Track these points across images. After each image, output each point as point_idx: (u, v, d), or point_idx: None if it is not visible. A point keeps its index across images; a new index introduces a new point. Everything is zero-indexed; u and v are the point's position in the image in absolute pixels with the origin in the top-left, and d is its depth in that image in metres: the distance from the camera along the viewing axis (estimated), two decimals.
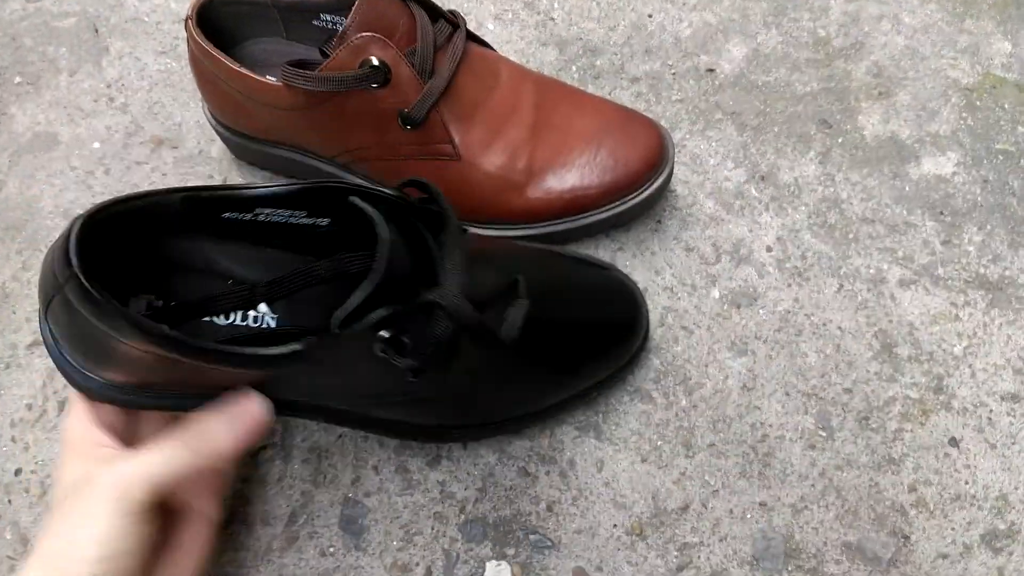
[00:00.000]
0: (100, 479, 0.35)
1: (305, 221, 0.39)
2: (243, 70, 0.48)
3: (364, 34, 0.45)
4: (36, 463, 0.50)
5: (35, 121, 0.62)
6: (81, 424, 0.38)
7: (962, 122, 0.59)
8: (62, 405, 0.52)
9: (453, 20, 0.51)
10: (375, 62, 0.45)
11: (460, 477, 0.47)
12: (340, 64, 0.46)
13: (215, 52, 0.49)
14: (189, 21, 0.50)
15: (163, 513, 0.37)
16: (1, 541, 0.48)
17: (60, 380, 0.52)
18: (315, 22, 0.53)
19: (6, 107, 0.64)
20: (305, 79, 0.46)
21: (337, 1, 0.51)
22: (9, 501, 0.49)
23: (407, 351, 0.35)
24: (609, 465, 0.47)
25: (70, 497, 0.35)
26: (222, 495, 0.43)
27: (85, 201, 0.59)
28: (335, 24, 0.53)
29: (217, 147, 0.60)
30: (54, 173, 0.60)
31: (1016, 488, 0.46)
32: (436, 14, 0.50)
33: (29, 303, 0.55)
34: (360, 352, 0.34)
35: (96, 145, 0.61)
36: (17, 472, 0.50)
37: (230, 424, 0.36)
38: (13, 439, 0.51)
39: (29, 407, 0.52)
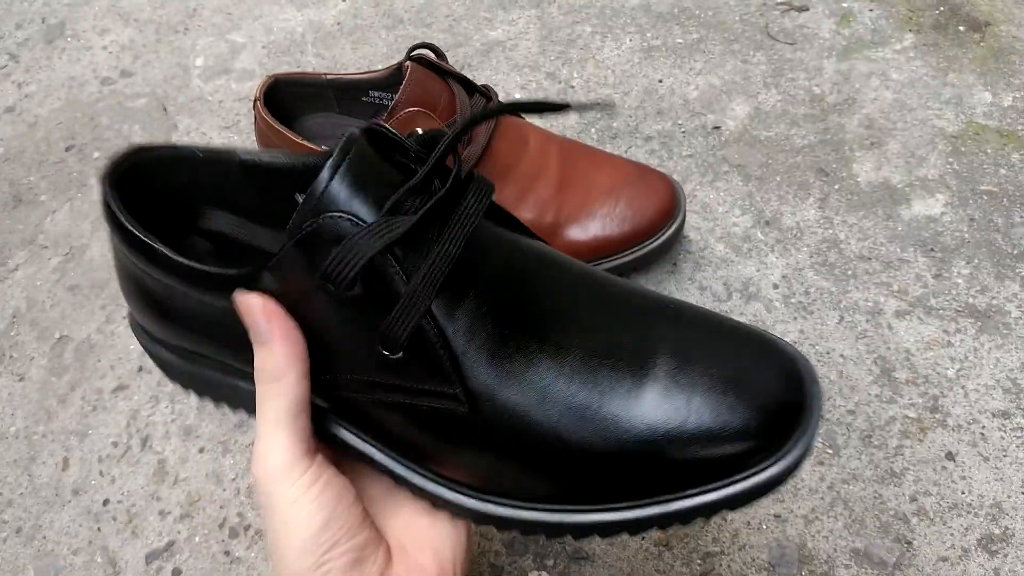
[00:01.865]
0: (259, 481, 0.30)
1: None
2: (306, 143, 0.55)
3: (411, 109, 0.52)
4: (122, 494, 0.56)
5: None
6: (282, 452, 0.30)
7: (948, 167, 0.65)
8: (145, 441, 0.58)
9: (486, 93, 0.58)
10: (420, 132, 0.52)
11: None
12: None
13: (281, 128, 0.56)
14: (257, 102, 0.57)
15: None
16: (93, 564, 0.53)
17: (142, 419, 0.59)
18: (364, 99, 0.60)
19: (87, 179, 0.72)
20: None
21: (384, 79, 0.58)
22: (99, 528, 0.55)
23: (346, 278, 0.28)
24: None
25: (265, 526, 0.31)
26: None
27: None
28: (382, 100, 0.60)
29: None
30: None
31: (1009, 496, 0.50)
32: (472, 88, 0.57)
33: (113, 353, 0.62)
34: (311, 282, 0.29)
35: None
36: (105, 503, 0.56)
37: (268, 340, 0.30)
38: (101, 473, 0.57)
39: (115, 444, 0.58)
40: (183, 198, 0.37)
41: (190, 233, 0.38)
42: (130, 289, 0.36)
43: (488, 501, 0.32)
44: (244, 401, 0.36)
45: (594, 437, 0.29)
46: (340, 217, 0.28)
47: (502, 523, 0.32)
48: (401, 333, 0.28)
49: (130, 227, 0.33)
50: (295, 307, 0.31)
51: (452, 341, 0.29)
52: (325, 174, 0.28)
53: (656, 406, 0.29)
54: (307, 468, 0.30)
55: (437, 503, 0.33)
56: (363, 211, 0.28)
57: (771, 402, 0.29)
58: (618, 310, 0.32)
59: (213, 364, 0.37)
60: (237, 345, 0.32)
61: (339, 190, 0.28)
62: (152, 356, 0.39)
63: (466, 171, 0.54)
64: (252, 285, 0.31)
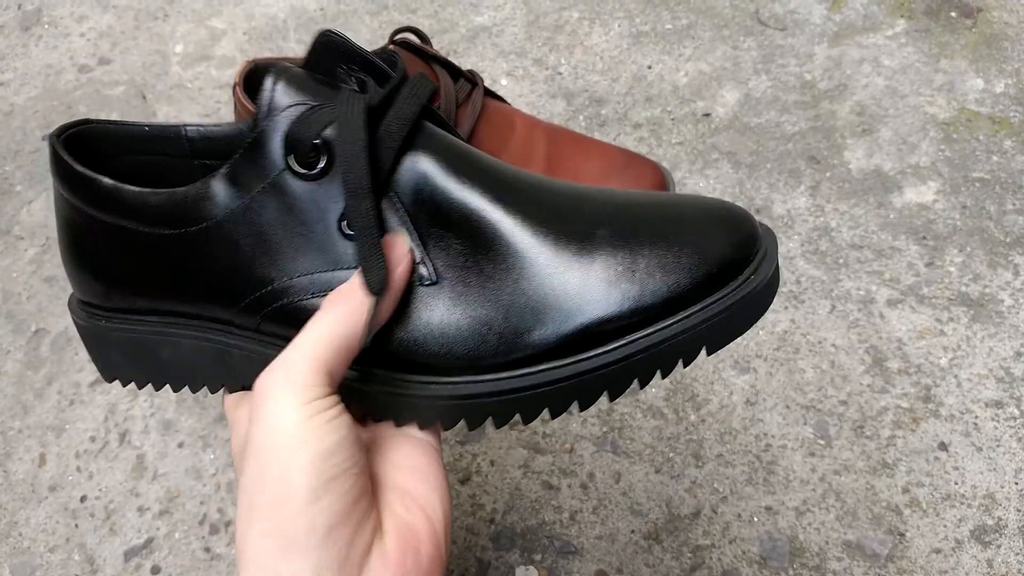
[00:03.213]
0: (261, 394, 0.27)
1: None
2: None
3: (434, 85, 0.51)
4: (100, 490, 0.54)
5: None
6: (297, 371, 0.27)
7: (940, 154, 0.64)
8: (123, 436, 0.56)
9: (471, 79, 0.56)
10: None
11: (489, 491, 0.52)
12: None
13: None
14: (237, 88, 0.56)
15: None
16: (70, 562, 0.52)
17: (120, 414, 0.57)
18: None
19: None
20: None
21: None
22: (76, 525, 0.53)
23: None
24: (626, 476, 0.52)
25: (250, 443, 0.27)
26: None
27: None
28: None
29: None
30: None
31: (1002, 487, 0.50)
32: (457, 74, 0.56)
33: None
34: (272, 173, 0.29)
35: None
36: (83, 499, 0.54)
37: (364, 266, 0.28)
38: (78, 468, 0.55)
39: (93, 439, 0.56)
40: (130, 176, 0.36)
41: None
42: (73, 251, 0.35)
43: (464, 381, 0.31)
44: (183, 357, 0.35)
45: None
46: (294, 107, 0.28)
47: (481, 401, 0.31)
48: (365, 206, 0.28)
49: (78, 167, 0.32)
50: (249, 214, 0.30)
51: (414, 217, 0.30)
52: (267, 83, 0.28)
53: (605, 265, 0.29)
54: (326, 394, 0.27)
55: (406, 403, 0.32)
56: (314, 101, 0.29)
57: (723, 254, 0.29)
58: (562, 188, 0.32)
59: (155, 321, 0.35)
60: (186, 286, 0.32)
61: (284, 93, 0.28)
62: (86, 340, 0.37)
63: None
64: (204, 203, 0.30)
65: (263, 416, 0.27)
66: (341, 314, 0.28)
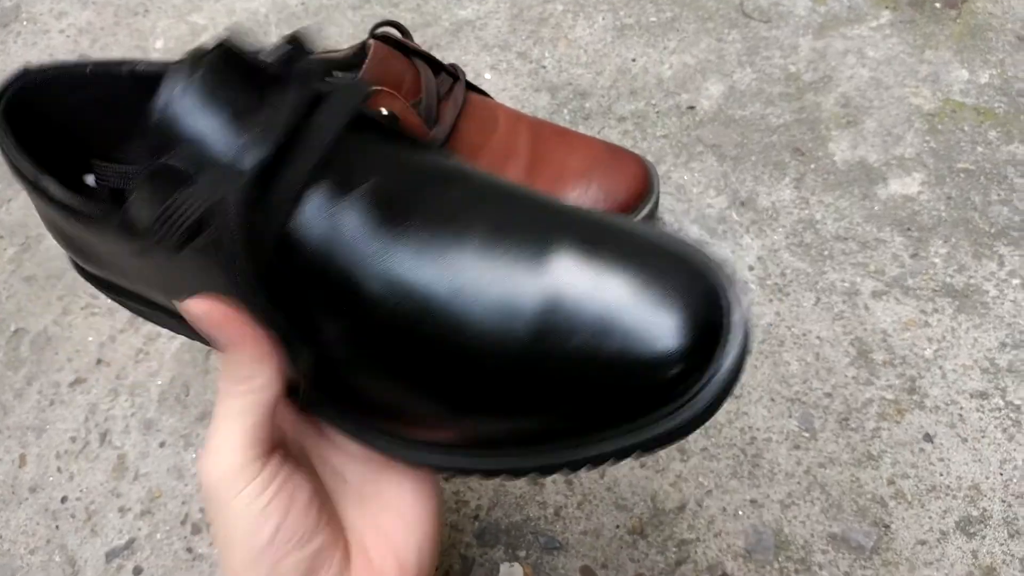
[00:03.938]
0: (205, 487, 0.28)
1: None
2: None
3: (375, 88, 0.50)
4: (80, 491, 0.54)
5: None
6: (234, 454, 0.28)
7: (925, 145, 0.64)
8: (104, 436, 0.56)
9: (453, 72, 0.56)
10: (385, 113, 0.50)
11: (473, 487, 0.51)
12: None
13: None
14: None
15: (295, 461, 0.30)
16: (51, 564, 0.52)
17: (101, 413, 0.57)
18: (328, 79, 0.58)
19: None
20: None
21: (347, 59, 0.56)
22: (57, 527, 0.53)
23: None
24: (610, 471, 0.51)
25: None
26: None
27: None
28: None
29: None
30: None
31: (987, 478, 0.50)
32: (438, 68, 0.55)
33: (70, 345, 0.60)
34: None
35: None
36: (64, 500, 0.54)
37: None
38: (59, 469, 0.55)
39: (73, 439, 0.56)
40: (79, 125, 0.34)
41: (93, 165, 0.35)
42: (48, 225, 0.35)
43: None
44: (176, 330, 0.35)
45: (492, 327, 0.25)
46: (187, 146, 0.25)
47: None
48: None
49: (17, 160, 0.30)
50: (143, 255, 0.28)
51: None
52: (166, 86, 0.25)
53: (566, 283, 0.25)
54: (257, 473, 0.27)
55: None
56: (212, 134, 0.25)
57: (695, 312, 0.24)
58: (519, 203, 0.28)
59: (136, 299, 0.35)
60: (150, 283, 0.31)
61: (185, 107, 0.25)
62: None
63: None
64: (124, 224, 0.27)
65: (210, 506, 0.28)
66: (236, 389, 0.28)
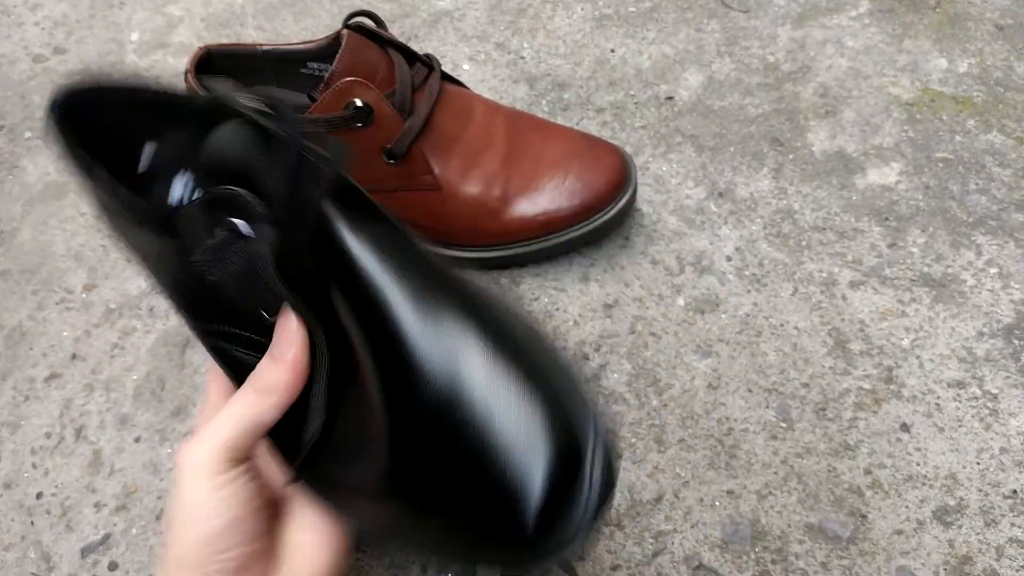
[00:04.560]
0: (178, 467, 0.31)
1: None
2: None
3: (347, 79, 0.50)
4: (55, 486, 0.53)
5: (45, 172, 0.67)
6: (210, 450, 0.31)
7: (904, 134, 0.64)
8: (79, 431, 0.55)
9: (428, 63, 0.56)
10: (359, 103, 0.50)
11: None
12: (327, 107, 0.50)
13: None
14: (189, 74, 0.55)
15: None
16: (26, 560, 0.51)
17: (76, 409, 0.56)
18: (303, 70, 0.58)
19: (18, 160, 0.69)
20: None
21: (322, 50, 0.56)
22: (32, 523, 0.52)
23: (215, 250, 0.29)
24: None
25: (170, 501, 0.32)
26: None
27: (95, 244, 0.63)
28: (321, 71, 0.57)
29: None
30: (65, 219, 0.64)
31: (964, 467, 0.50)
32: (412, 58, 0.55)
33: (45, 340, 0.59)
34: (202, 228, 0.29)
35: None
36: (39, 495, 0.53)
37: (275, 354, 0.31)
38: (34, 465, 0.54)
39: (48, 435, 0.55)
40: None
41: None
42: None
43: None
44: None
45: None
46: (237, 190, 0.27)
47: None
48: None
49: (73, 152, 0.31)
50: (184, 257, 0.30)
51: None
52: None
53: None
54: (227, 471, 0.31)
55: None
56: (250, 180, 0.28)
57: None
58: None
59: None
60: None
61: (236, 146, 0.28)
62: None
63: (408, 143, 0.51)
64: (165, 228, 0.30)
65: (177, 484, 0.31)
66: (252, 397, 0.31)
